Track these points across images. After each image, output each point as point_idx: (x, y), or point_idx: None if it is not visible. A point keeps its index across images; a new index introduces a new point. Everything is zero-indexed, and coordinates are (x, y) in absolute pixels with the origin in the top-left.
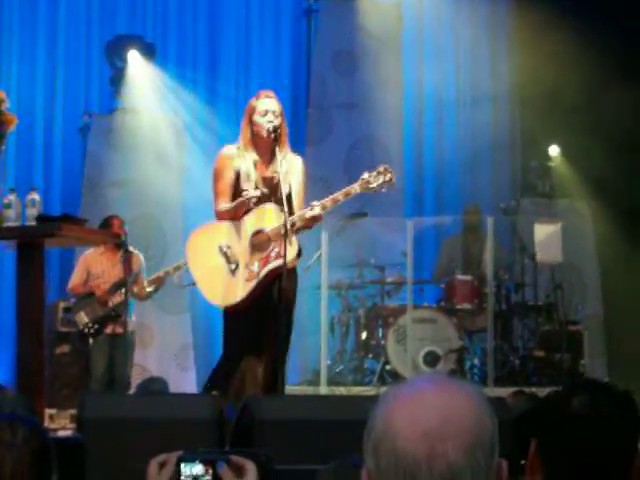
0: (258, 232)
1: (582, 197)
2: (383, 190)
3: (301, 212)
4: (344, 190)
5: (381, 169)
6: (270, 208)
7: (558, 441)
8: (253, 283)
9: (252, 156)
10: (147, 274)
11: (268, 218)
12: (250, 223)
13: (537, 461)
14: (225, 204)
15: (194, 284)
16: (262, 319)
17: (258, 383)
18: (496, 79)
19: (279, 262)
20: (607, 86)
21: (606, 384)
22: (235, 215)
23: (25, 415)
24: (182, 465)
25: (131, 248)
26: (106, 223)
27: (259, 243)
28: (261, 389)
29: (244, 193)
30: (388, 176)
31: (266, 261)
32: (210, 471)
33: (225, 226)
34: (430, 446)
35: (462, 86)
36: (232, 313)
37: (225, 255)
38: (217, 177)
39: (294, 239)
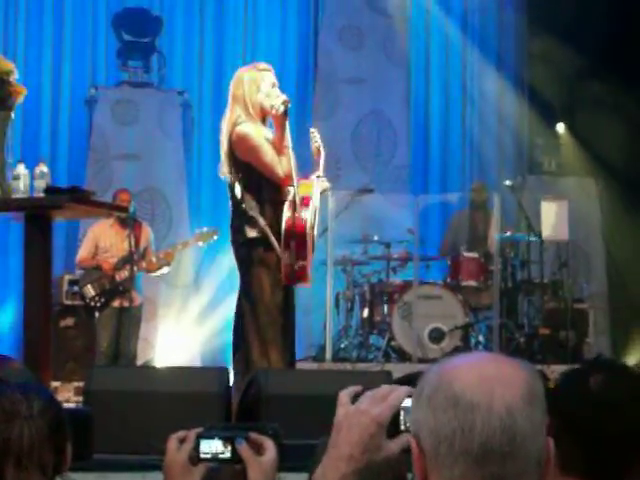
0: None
1: (589, 175)
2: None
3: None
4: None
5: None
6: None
7: (572, 421)
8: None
9: (265, 128)
10: (154, 248)
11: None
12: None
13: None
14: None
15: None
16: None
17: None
18: (503, 54)
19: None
20: (612, 62)
21: (624, 365)
22: (280, 146)
23: (38, 386)
24: (201, 442)
25: (140, 221)
26: (115, 197)
27: None
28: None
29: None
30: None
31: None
32: (229, 448)
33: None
34: (489, 389)
35: (469, 61)
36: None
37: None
38: (259, 150)
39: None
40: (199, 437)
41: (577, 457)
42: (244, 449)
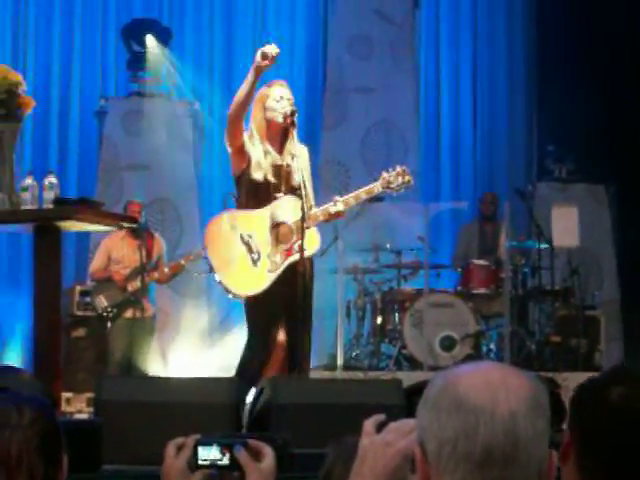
0: (279, 224)
1: (599, 181)
2: (401, 191)
3: (324, 207)
4: (366, 188)
5: (400, 170)
6: (290, 200)
7: (592, 432)
8: (275, 274)
9: (263, 145)
10: (166, 259)
11: (289, 210)
12: (271, 214)
13: (570, 449)
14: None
15: (211, 272)
16: (284, 308)
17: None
18: (513, 63)
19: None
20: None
21: None
22: (248, 95)
23: (33, 395)
24: (199, 448)
25: (153, 232)
26: (125, 208)
27: (281, 235)
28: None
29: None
30: (407, 178)
31: (288, 253)
32: (227, 455)
33: (245, 215)
34: (493, 392)
35: (479, 70)
36: (253, 304)
37: (247, 244)
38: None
39: (315, 230)
40: (197, 444)
41: (598, 471)
42: (242, 456)
